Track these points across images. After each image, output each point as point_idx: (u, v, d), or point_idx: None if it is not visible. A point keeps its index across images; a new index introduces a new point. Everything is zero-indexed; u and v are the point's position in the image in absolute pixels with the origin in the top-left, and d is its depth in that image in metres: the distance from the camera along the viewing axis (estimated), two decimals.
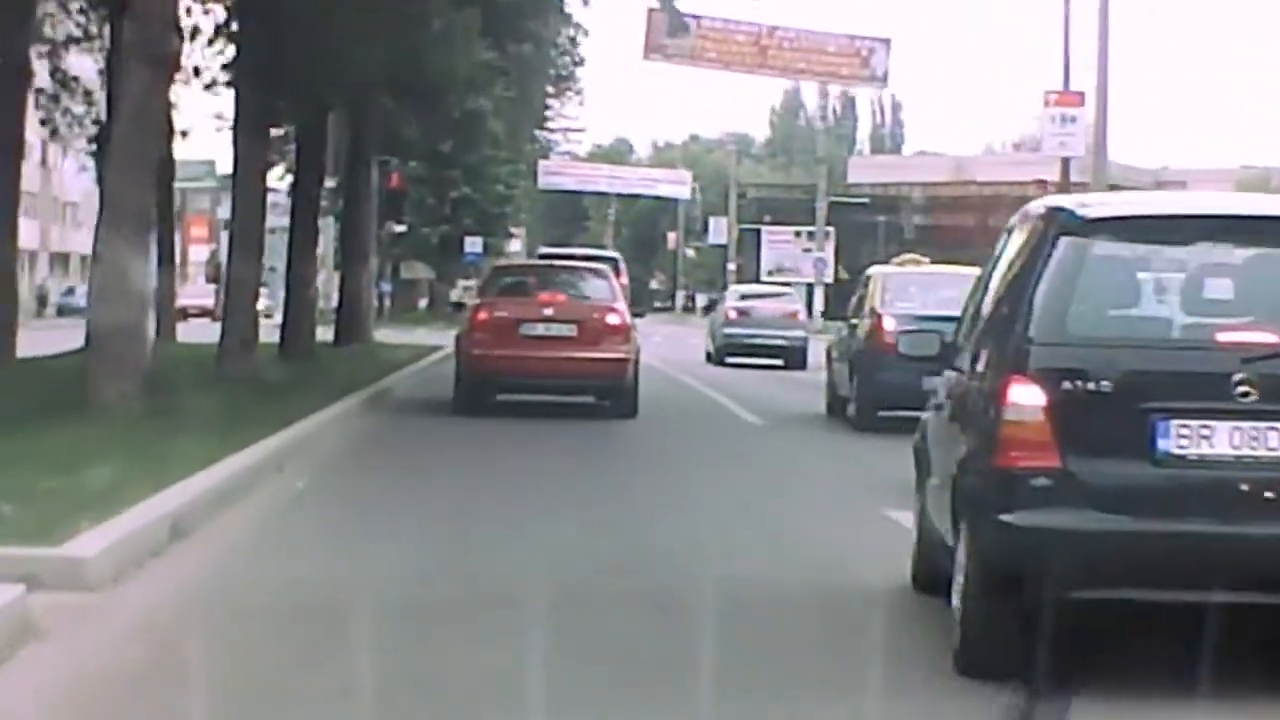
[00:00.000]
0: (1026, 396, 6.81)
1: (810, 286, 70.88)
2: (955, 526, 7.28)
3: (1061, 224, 7.21)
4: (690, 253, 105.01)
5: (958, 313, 15.71)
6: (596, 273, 21.40)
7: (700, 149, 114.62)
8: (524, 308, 20.01)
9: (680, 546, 10.74)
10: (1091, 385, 6.76)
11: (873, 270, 20.50)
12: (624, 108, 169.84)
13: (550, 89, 69.19)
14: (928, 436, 8.64)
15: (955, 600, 7.24)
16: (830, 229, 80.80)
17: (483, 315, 19.76)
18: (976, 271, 22.26)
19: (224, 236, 78.91)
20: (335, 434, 17.29)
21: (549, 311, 19.79)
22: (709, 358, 36.42)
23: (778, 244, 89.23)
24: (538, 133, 73.49)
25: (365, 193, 32.11)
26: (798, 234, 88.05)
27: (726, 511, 12.67)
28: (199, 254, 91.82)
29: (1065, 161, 36.61)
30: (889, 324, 17.78)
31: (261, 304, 24.28)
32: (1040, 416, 6.75)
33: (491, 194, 67.39)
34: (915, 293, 18.81)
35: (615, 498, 13.51)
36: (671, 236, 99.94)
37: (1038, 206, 7.85)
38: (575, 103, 72.62)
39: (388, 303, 66.84)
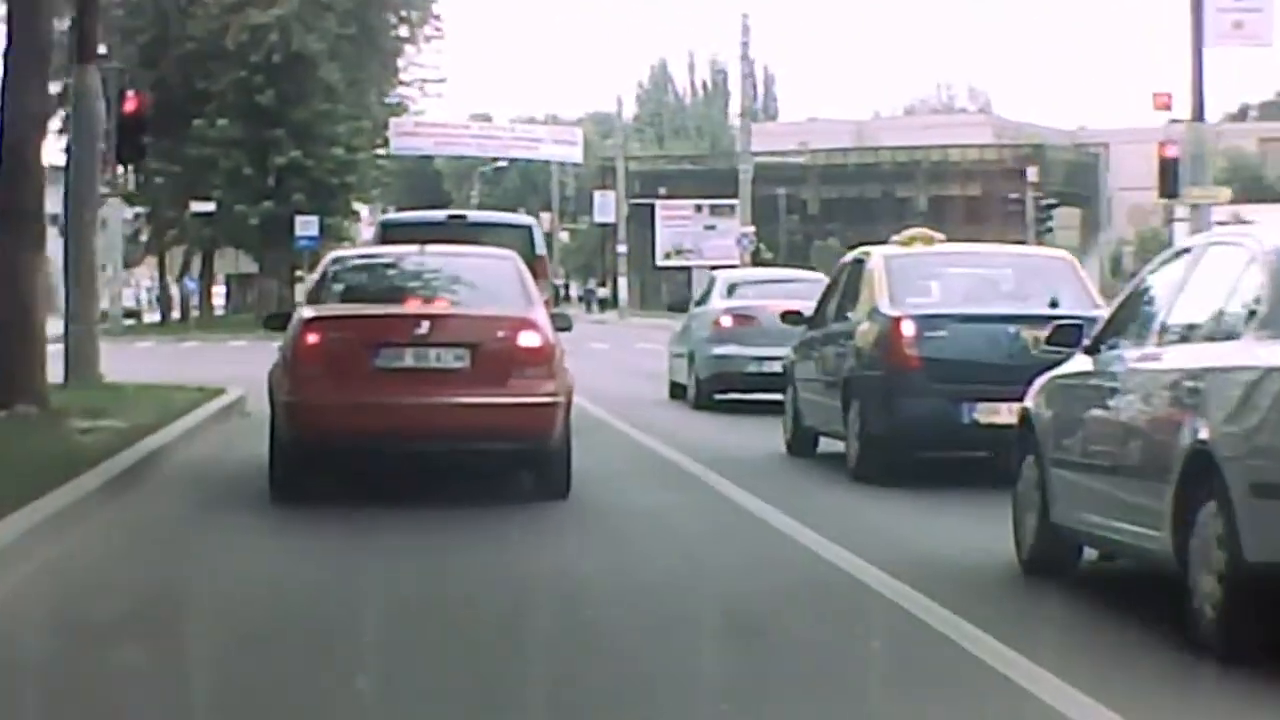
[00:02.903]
0: None
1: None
2: None
3: None
4: (564, 235, 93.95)
5: (998, 309, 14.06)
6: (496, 259, 14.34)
7: (564, 127, 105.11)
8: (381, 323, 13.17)
9: None
10: None
11: (867, 254, 15.63)
12: (478, 88, 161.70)
13: (401, 31, 57.34)
14: None
15: None
16: (736, 202, 71.70)
17: (312, 338, 12.96)
18: (1011, 250, 18.70)
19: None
20: None
21: (422, 329, 12.92)
22: (676, 393, 23.59)
23: (675, 221, 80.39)
24: (390, 88, 62.67)
25: (38, 105, 16.89)
26: (698, 208, 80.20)
27: None
28: None
29: (1197, 66, 24.17)
30: (909, 330, 13.95)
31: None
32: None
33: (328, 159, 55.75)
34: (934, 283, 15.01)
35: None
36: (546, 217, 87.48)
37: None
38: (433, 48, 60.69)
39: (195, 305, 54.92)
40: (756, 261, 61.19)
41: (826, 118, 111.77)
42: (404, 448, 12.78)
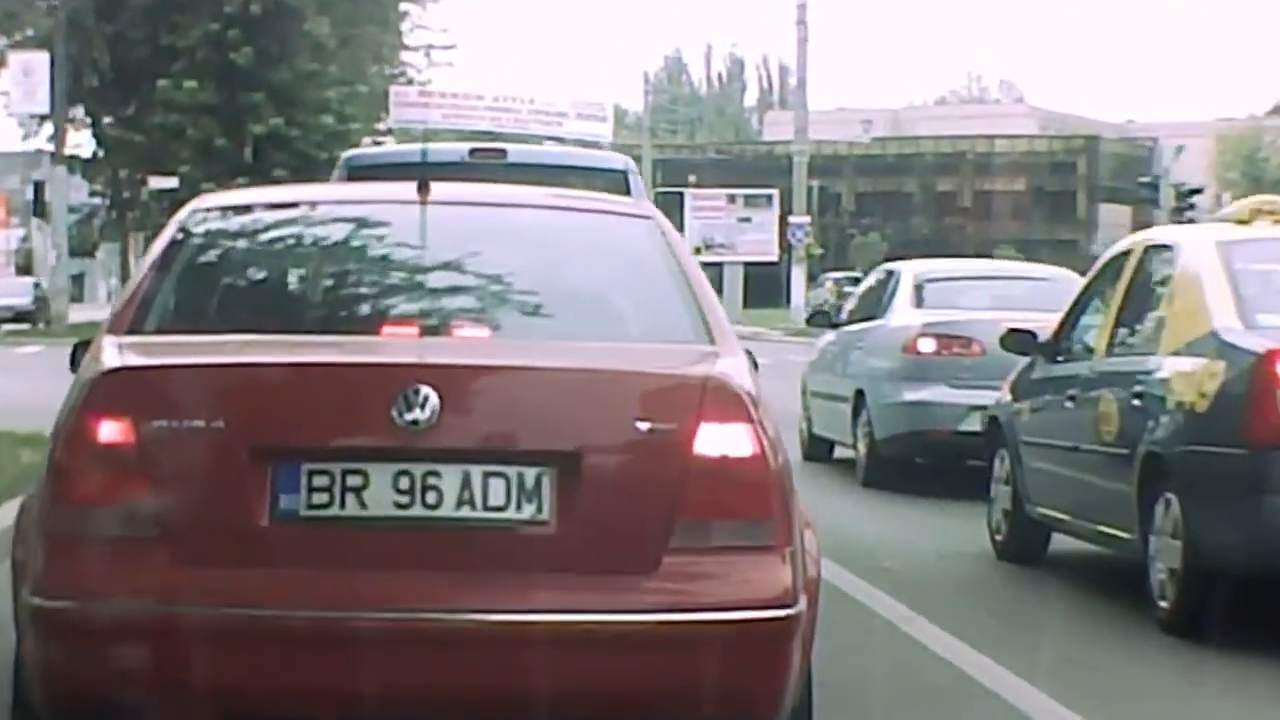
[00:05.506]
0: None
1: (787, 268, 54.47)
2: None
3: None
4: None
5: None
6: (615, 217, 5.64)
7: (590, 102, 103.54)
8: (306, 390, 4.51)
9: None
10: None
11: (1175, 240, 10.55)
12: (490, 82, 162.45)
13: None
14: None
15: None
16: (774, 192, 68.93)
17: (109, 430, 4.48)
18: None
19: (35, 221, 65.08)
20: None
21: (419, 408, 4.41)
22: (817, 452, 16.24)
23: (706, 212, 74.35)
24: (393, 54, 58.40)
25: None
26: (732, 199, 74.54)
27: None
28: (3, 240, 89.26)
29: None
30: None
31: None
32: None
33: (315, 129, 50.51)
34: None
35: None
36: None
37: None
38: (441, 9, 55.06)
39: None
40: (808, 257, 55.72)
41: (854, 107, 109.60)
42: None
